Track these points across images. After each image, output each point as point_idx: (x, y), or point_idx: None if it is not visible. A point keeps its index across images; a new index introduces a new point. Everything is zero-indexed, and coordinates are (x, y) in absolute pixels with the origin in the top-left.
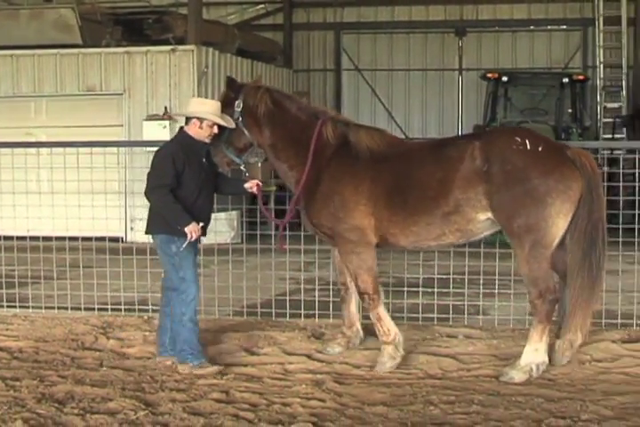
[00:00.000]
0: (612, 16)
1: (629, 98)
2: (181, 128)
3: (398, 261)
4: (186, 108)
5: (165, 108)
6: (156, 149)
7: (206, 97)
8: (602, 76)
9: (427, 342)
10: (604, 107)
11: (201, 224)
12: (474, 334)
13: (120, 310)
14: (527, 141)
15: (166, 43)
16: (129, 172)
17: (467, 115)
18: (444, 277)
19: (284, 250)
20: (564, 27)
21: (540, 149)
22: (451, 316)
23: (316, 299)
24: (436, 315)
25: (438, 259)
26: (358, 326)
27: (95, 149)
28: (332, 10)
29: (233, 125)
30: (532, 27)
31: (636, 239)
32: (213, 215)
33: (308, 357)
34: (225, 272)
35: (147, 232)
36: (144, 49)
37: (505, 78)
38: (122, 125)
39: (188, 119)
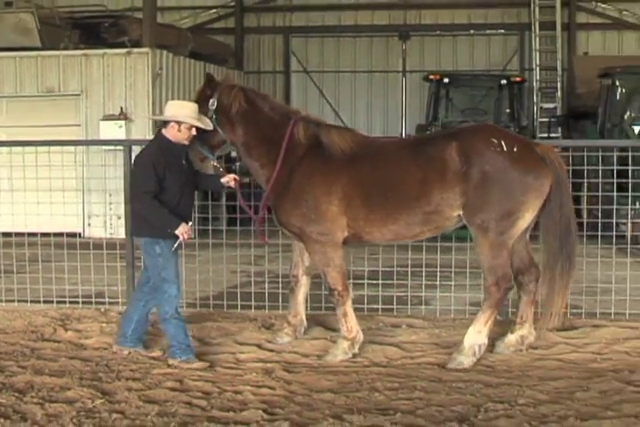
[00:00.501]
0: (547, 21)
1: (564, 99)
2: (159, 131)
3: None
4: (164, 111)
5: (121, 108)
6: (112, 147)
7: (160, 98)
8: (538, 78)
9: (372, 331)
10: (540, 107)
11: (190, 224)
12: (417, 323)
13: (78, 302)
14: (502, 142)
15: (122, 46)
16: (86, 169)
17: (410, 115)
18: (389, 269)
19: (265, 243)
20: (503, 31)
21: (514, 149)
22: (395, 306)
23: (266, 291)
24: (380, 306)
25: (382, 252)
26: (303, 315)
27: (53, 148)
28: (282, 14)
29: (211, 127)
30: (472, 31)
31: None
32: None
33: (259, 346)
34: None
35: (132, 234)
36: (101, 52)
37: (446, 80)
38: (79, 125)
39: (165, 122)
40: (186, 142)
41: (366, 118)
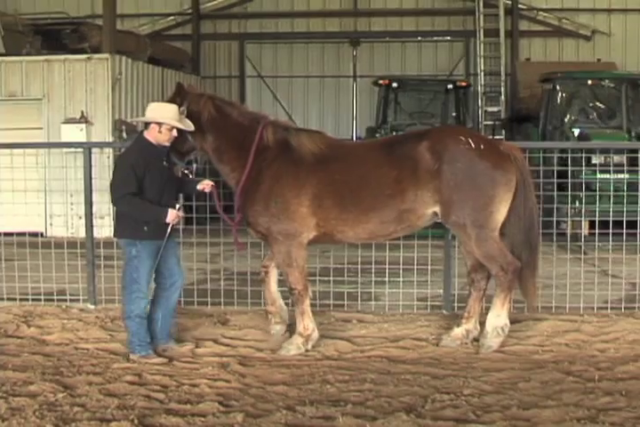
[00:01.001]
0: (491, 29)
1: (507, 102)
2: (141, 133)
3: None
4: (145, 113)
5: (82, 112)
6: (72, 150)
7: (120, 102)
8: (482, 82)
9: (323, 326)
10: (485, 110)
11: (178, 206)
12: (366, 318)
13: (40, 300)
14: (470, 141)
15: (83, 51)
16: (48, 171)
17: (360, 118)
18: (340, 266)
19: (240, 246)
20: (449, 38)
21: (482, 147)
22: (345, 302)
23: (222, 288)
24: (331, 301)
25: (334, 250)
26: (281, 302)
27: (16, 151)
28: (237, 21)
29: (192, 128)
30: (419, 37)
31: None
32: None
33: (215, 341)
34: None
35: (114, 235)
36: (62, 57)
37: (395, 84)
38: (41, 128)
39: (146, 124)
40: (167, 144)
41: (318, 121)
